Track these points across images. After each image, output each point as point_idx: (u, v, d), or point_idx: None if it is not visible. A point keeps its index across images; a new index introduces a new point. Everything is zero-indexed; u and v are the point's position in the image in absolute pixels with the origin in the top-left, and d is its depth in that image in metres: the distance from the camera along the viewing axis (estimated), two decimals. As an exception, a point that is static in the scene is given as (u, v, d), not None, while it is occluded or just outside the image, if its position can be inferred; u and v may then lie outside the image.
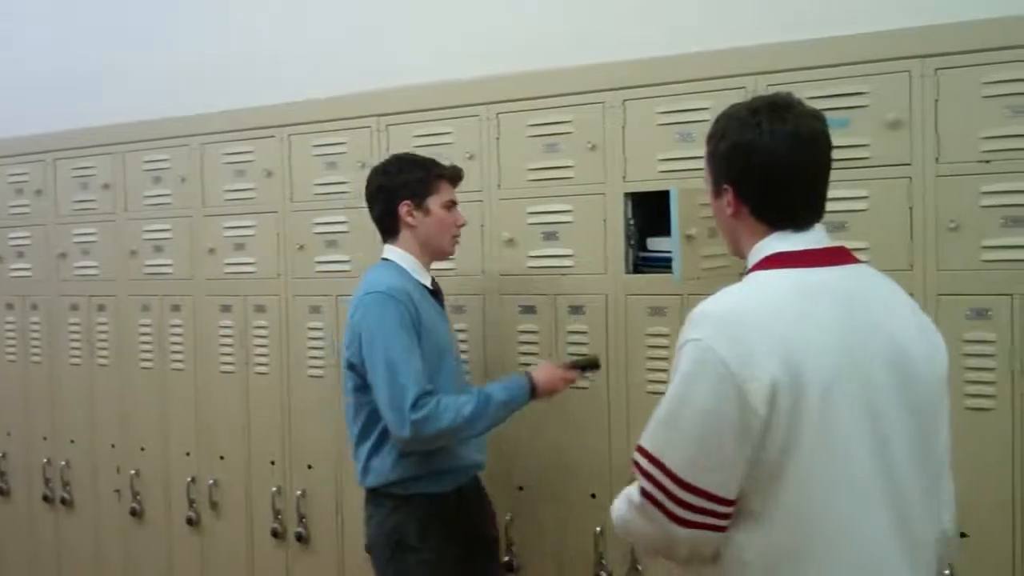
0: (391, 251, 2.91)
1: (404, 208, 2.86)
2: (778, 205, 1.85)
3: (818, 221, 1.87)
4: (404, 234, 2.90)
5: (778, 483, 1.71)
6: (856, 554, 1.71)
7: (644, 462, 1.78)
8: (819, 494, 1.70)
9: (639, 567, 3.03)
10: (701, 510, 1.74)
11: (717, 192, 1.92)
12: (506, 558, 3.23)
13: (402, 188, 2.87)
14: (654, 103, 3.02)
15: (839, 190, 2.68)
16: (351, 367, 2.81)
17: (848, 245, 2.47)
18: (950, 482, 1.91)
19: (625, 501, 1.86)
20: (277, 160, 3.68)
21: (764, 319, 1.73)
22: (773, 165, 1.82)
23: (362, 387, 2.79)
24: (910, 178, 2.69)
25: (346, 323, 2.84)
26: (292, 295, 3.66)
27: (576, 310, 3.12)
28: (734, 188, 1.87)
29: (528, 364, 3.11)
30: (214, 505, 3.89)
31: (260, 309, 3.75)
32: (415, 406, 2.63)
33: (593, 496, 3.12)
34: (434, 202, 2.89)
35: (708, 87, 2.93)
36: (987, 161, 2.62)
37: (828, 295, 1.77)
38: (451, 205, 2.92)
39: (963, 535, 2.60)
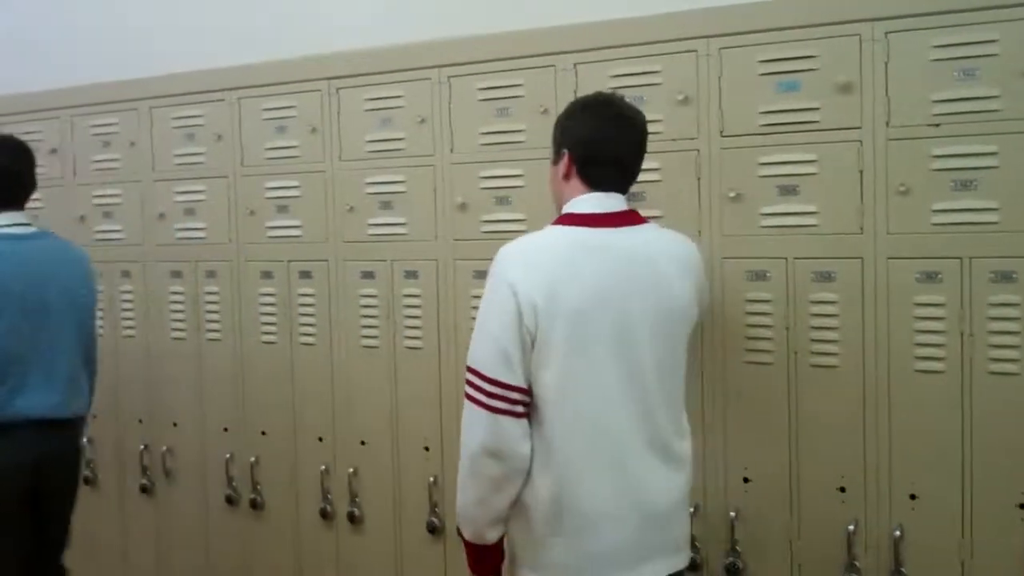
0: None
1: None
2: (592, 173, 2.42)
3: (622, 191, 2.43)
4: None
5: (546, 388, 2.28)
6: (606, 436, 2.29)
7: (468, 375, 2.34)
8: (574, 397, 2.28)
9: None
10: (503, 398, 2.28)
11: (556, 158, 2.49)
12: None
13: None
14: (607, 66, 3.01)
15: (790, 154, 2.74)
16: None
17: (799, 209, 2.68)
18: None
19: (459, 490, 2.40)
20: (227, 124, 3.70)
21: (540, 259, 2.32)
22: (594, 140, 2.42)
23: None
24: (860, 141, 2.68)
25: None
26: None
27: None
28: (569, 154, 2.44)
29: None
30: (168, 473, 3.93)
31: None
32: None
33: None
34: None
35: (658, 50, 2.94)
36: (937, 124, 2.60)
37: (599, 249, 2.32)
38: None
39: (913, 496, 2.67)
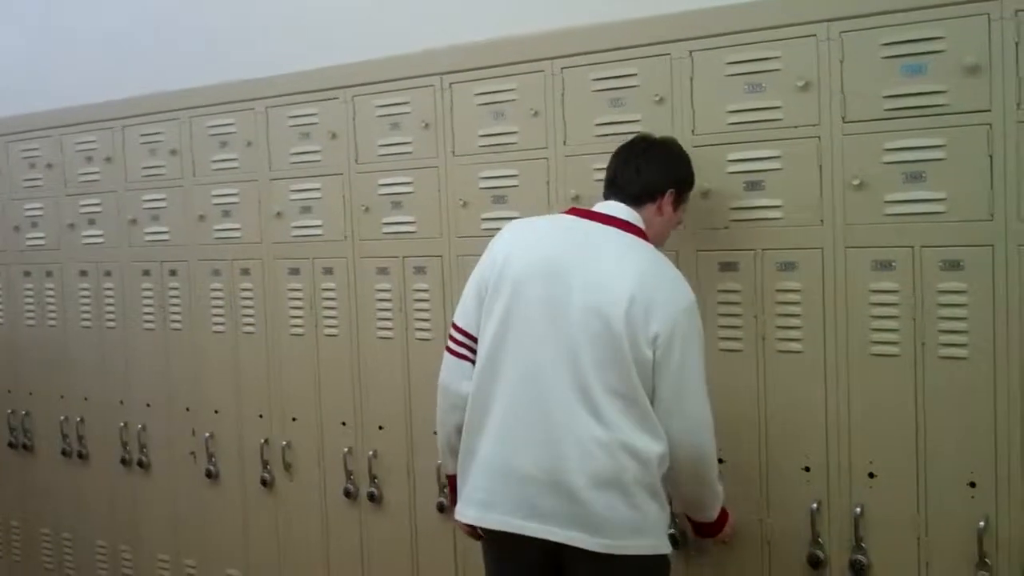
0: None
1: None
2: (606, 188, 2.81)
3: (621, 199, 2.73)
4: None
5: (487, 340, 2.64)
6: (527, 375, 2.56)
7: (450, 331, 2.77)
8: (503, 353, 2.59)
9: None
10: (452, 338, 2.75)
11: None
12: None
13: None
14: (591, 70, 3.17)
15: (755, 151, 2.89)
16: None
17: (763, 203, 2.92)
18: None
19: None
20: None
21: (516, 234, 2.72)
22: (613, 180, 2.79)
23: None
24: (819, 137, 2.81)
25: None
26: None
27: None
28: None
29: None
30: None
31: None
32: None
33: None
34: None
35: (636, 54, 3.09)
36: (889, 119, 2.72)
37: (572, 229, 2.67)
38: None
39: (871, 475, 2.79)
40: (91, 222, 4.54)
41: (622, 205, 2.71)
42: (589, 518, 2.49)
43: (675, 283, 2.61)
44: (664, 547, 2.58)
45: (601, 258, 2.59)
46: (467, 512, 2.66)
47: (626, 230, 2.67)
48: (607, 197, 2.77)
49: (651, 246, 2.67)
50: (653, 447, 2.51)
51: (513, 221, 2.85)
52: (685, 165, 2.82)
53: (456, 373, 2.74)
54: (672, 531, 2.93)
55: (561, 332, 2.54)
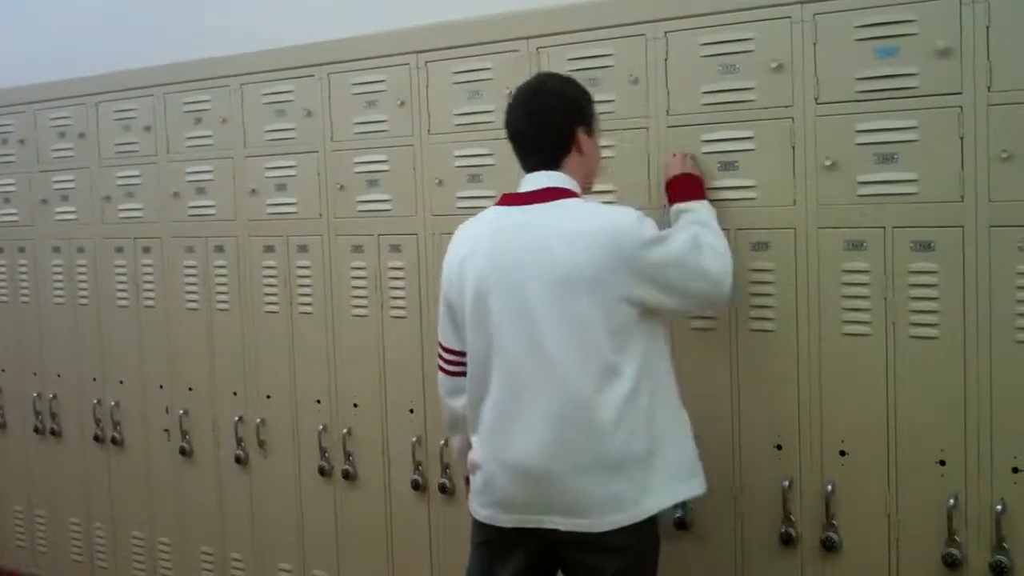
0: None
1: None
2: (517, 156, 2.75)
3: (544, 169, 2.67)
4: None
5: (470, 352, 2.68)
6: (504, 368, 2.60)
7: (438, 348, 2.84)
8: (478, 345, 2.64)
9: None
10: (448, 360, 2.80)
11: None
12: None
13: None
14: (566, 50, 3.18)
15: (728, 131, 2.90)
16: None
17: (737, 183, 2.90)
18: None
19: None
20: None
21: (461, 239, 2.75)
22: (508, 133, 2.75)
23: None
24: (792, 119, 2.82)
25: None
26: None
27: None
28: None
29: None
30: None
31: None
32: None
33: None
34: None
35: (611, 34, 3.09)
36: (861, 101, 2.73)
37: (504, 227, 2.64)
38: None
39: (842, 452, 2.82)
40: (64, 198, 4.54)
41: (544, 173, 2.67)
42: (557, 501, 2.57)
43: (615, 220, 2.58)
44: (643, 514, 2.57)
45: (548, 246, 2.56)
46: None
47: (557, 197, 2.63)
48: (523, 160, 2.73)
49: (581, 202, 2.64)
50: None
51: (458, 230, 2.80)
52: (579, 95, 2.75)
53: (447, 388, 2.86)
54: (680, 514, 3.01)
55: (531, 328, 2.55)
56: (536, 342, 2.53)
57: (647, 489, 2.55)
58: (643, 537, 2.59)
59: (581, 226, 2.56)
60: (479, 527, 2.72)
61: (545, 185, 2.65)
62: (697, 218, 2.78)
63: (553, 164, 2.67)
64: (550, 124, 2.68)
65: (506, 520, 2.62)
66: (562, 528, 2.54)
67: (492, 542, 2.70)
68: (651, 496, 2.55)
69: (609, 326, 2.52)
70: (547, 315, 2.52)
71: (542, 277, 2.53)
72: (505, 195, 2.75)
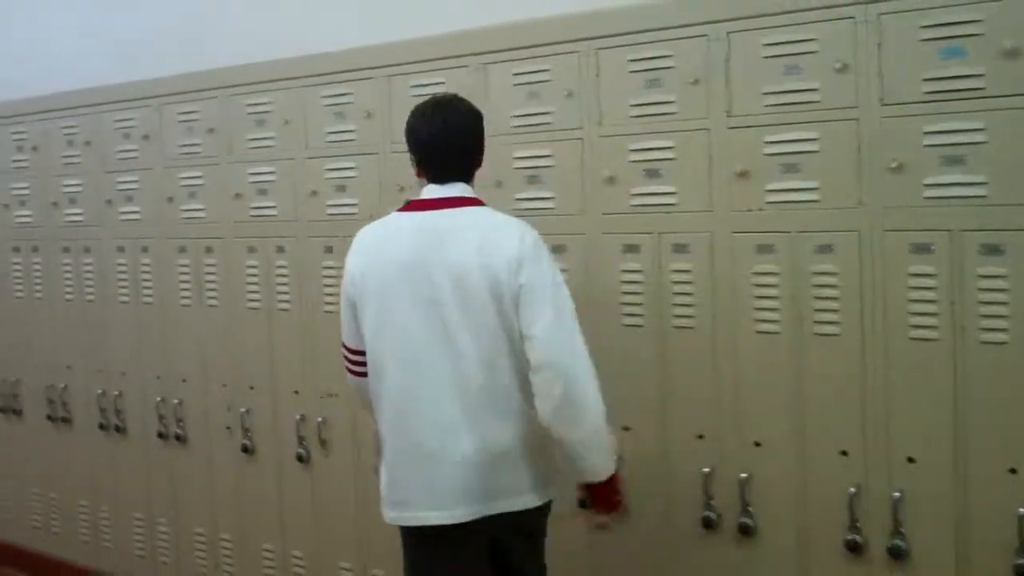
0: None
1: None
2: (427, 168, 2.85)
3: (457, 180, 2.82)
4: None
5: (368, 345, 2.82)
6: (405, 377, 2.75)
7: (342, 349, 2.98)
8: (381, 353, 2.77)
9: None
10: (351, 360, 2.95)
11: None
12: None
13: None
14: (627, 51, 3.16)
15: (792, 133, 2.87)
16: None
17: (799, 185, 2.87)
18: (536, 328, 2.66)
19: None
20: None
21: (362, 242, 2.86)
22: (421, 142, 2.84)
23: None
24: (857, 120, 2.78)
25: None
26: None
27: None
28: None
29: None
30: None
31: None
32: None
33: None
34: None
35: (672, 35, 3.06)
36: (927, 102, 2.69)
37: (416, 230, 2.75)
38: None
39: (911, 460, 2.78)
40: (128, 199, 4.58)
41: (450, 185, 2.82)
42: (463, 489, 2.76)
43: (510, 232, 2.72)
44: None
45: (444, 245, 2.72)
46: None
47: (461, 205, 2.79)
48: (430, 174, 2.85)
49: (483, 208, 2.81)
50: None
51: (359, 233, 2.91)
52: (478, 129, 2.90)
53: (351, 385, 3.06)
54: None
55: (442, 325, 2.70)
56: (446, 335, 2.70)
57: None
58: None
59: (471, 233, 2.72)
60: None
61: (454, 195, 2.81)
62: None
63: (458, 174, 2.84)
64: (467, 142, 2.86)
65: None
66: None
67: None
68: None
69: (506, 324, 2.72)
70: (455, 306, 2.70)
71: (446, 270, 2.69)
72: (414, 200, 2.86)
